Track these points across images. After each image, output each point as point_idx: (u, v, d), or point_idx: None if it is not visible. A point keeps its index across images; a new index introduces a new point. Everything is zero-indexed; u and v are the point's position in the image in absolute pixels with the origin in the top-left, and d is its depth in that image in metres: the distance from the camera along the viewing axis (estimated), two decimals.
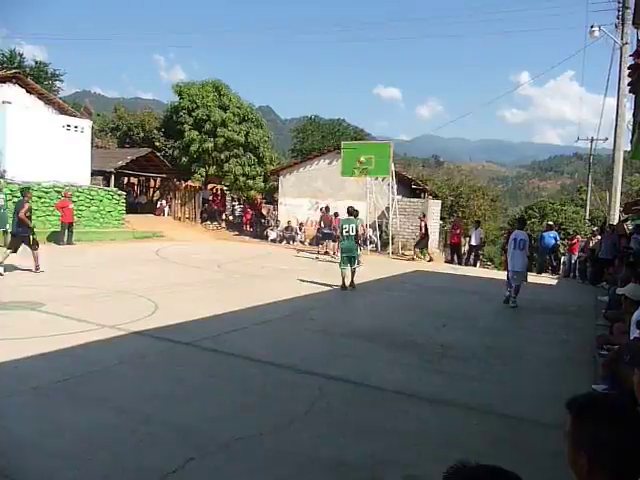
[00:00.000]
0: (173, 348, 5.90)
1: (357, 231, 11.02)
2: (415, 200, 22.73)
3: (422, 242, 18.99)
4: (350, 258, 10.91)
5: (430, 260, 18.16)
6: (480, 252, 20.90)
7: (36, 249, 10.52)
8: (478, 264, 19.67)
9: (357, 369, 5.53)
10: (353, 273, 11.00)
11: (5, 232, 15.05)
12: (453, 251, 19.98)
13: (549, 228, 18.58)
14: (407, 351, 6.43)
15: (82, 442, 3.52)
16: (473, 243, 19.23)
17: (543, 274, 16.95)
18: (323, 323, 7.60)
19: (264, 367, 5.45)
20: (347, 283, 10.81)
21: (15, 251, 10.43)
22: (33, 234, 10.71)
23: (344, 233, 10.90)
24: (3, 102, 18.01)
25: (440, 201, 24.74)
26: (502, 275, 16.88)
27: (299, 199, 24.47)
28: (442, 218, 25.36)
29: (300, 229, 23.56)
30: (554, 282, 15.50)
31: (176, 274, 11.78)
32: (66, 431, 3.67)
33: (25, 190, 11.74)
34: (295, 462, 3.46)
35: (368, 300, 10.10)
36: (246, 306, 8.38)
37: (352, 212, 11.37)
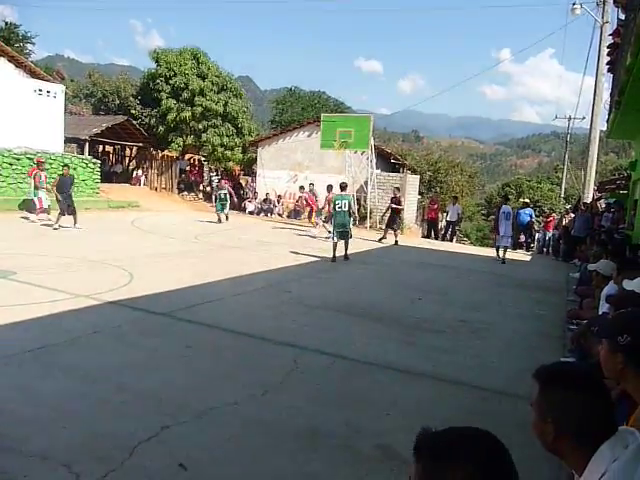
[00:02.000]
0: (148, 318, 5.87)
1: (350, 206, 11.46)
2: (394, 175, 22.74)
3: (396, 220, 16.16)
4: (343, 232, 11.27)
5: (396, 243, 15.78)
6: (457, 228, 21.11)
7: None
8: (455, 239, 19.87)
9: (332, 341, 5.58)
10: (346, 246, 11.36)
11: None
12: (430, 226, 20.13)
13: (525, 205, 18.80)
14: (382, 324, 6.50)
15: (55, 411, 3.50)
16: (450, 219, 19.38)
17: (517, 250, 17.22)
18: (299, 295, 7.62)
19: (239, 338, 5.46)
20: (336, 255, 11.13)
21: None
22: None
23: (337, 208, 11.24)
24: None
25: (418, 176, 24.81)
26: (478, 251, 17.16)
27: (278, 171, 24.29)
28: (420, 193, 25.47)
29: (278, 201, 23.45)
30: (528, 258, 15.77)
31: (152, 245, 11.66)
32: (38, 400, 3.64)
33: None
34: (270, 431, 3.49)
35: (345, 274, 10.15)
36: (222, 277, 8.35)
37: (344, 187, 11.85)
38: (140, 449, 3.11)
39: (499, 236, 13.23)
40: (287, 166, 24.11)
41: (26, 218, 14.51)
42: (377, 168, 21.70)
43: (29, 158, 17.11)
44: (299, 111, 38.95)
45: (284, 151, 24.34)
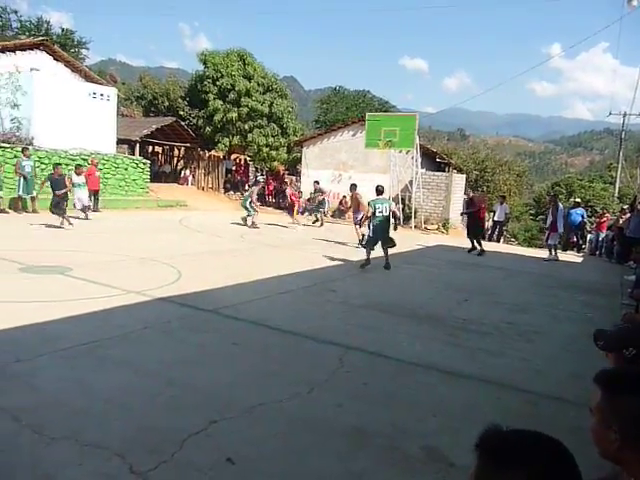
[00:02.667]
0: (196, 315, 6.00)
1: (391, 211, 10.38)
2: (439, 174, 22.44)
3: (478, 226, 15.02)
4: (385, 240, 10.19)
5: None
6: (504, 228, 20.66)
7: None
8: (502, 240, 19.46)
9: (377, 340, 5.56)
10: (387, 254, 10.23)
11: (33, 198, 15.36)
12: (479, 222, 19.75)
13: (576, 205, 18.23)
14: (427, 324, 6.44)
15: (108, 403, 3.63)
16: (497, 218, 18.98)
17: (568, 251, 16.70)
18: (344, 295, 7.63)
19: (284, 336, 5.52)
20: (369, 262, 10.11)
21: None
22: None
23: (377, 213, 10.03)
24: (31, 69, 18.15)
25: (464, 175, 24.39)
26: (526, 251, 16.73)
27: (322, 171, 24.35)
28: (466, 193, 25.05)
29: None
30: (579, 260, 15.28)
31: (199, 243, 11.91)
32: (92, 392, 3.78)
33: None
34: (315, 429, 3.52)
35: (389, 273, 10.10)
36: (268, 276, 8.45)
37: (381, 191, 10.64)
38: (189, 442, 3.19)
39: (555, 234, 13.45)
40: (331, 166, 24.15)
41: (77, 217, 15.05)
42: (422, 167, 21.48)
43: (83, 159, 17.76)
44: (343, 110, 38.97)
45: (328, 151, 24.39)
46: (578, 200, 19.79)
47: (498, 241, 18.84)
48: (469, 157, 31.96)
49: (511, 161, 33.24)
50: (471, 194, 15.12)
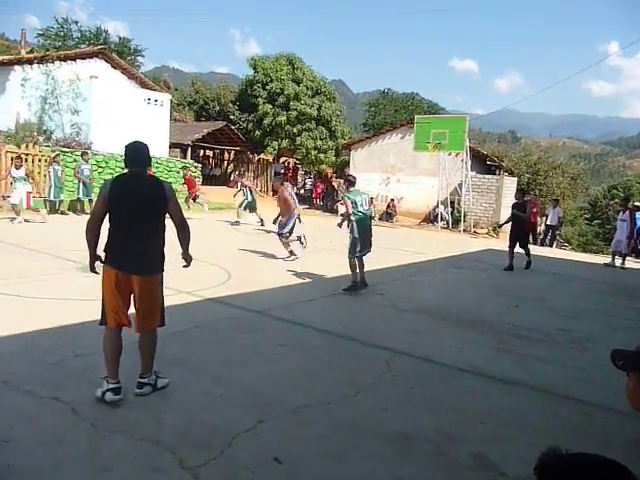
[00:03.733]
0: (245, 315, 6.10)
1: (370, 205, 8.43)
2: (489, 177, 22.02)
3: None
4: (367, 243, 7.98)
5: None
6: (557, 232, 20.06)
7: None
8: (554, 245, 18.89)
9: (424, 345, 5.51)
10: (362, 267, 7.93)
11: (91, 201, 15.98)
12: (528, 230, 19.25)
13: (636, 209, 17.49)
14: (476, 329, 6.32)
15: (161, 398, 3.74)
16: (550, 223, 18.45)
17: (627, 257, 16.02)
18: (391, 298, 7.59)
19: (331, 338, 5.54)
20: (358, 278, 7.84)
21: None
22: None
23: (359, 209, 7.77)
24: (90, 77, 18.90)
25: (516, 178, 23.83)
26: (580, 257, 16.18)
27: (370, 174, 24.30)
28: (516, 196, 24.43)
29: (370, 203, 23.42)
30: (638, 266, 14.65)
31: (248, 244, 12.09)
32: None
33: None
34: (361, 432, 3.52)
35: (438, 277, 9.98)
36: (315, 278, 8.50)
37: (353, 182, 8.48)
38: (238, 440, 3.25)
39: (627, 241, 13.11)
40: (379, 169, 24.06)
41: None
42: (472, 170, 21.12)
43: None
44: (392, 113, 38.78)
45: (376, 153, 24.32)
46: (638, 204, 18.97)
47: (551, 246, 18.29)
48: (521, 160, 31.17)
49: (565, 163, 32.19)
50: (524, 198, 12.06)
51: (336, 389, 4.16)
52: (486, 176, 22.00)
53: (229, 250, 10.84)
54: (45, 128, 17.72)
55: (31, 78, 17.91)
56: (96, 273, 3.73)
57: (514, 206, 11.53)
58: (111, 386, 3.54)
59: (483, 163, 23.74)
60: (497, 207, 20.91)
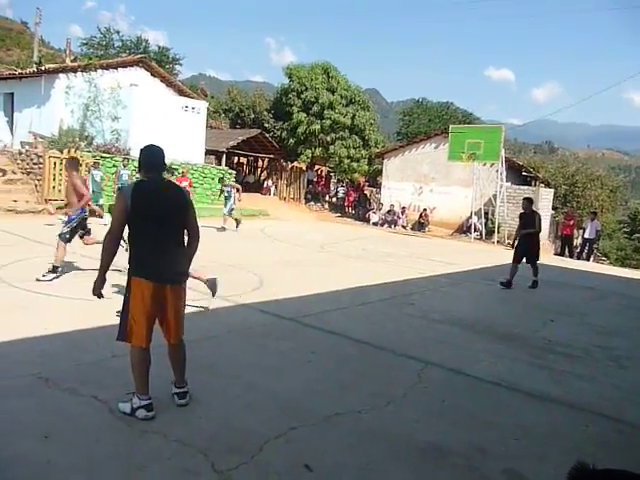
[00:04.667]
0: (277, 322, 6.15)
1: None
2: (525, 188, 21.67)
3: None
4: None
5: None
6: (595, 246, 19.60)
7: None
8: (592, 258, 18.46)
9: (456, 357, 5.46)
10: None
11: None
12: (564, 243, 18.91)
13: None
14: (510, 343, 6.23)
15: (194, 402, 3.80)
16: (587, 236, 18.05)
17: None
18: (423, 309, 7.54)
19: (363, 347, 5.53)
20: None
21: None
22: None
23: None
24: (131, 85, 19.39)
25: (552, 190, 23.38)
26: (619, 272, 15.75)
27: (403, 183, 24.23)
28: (554, 208, 24.00)
29: (402, 213, 23.35)
30: None
31: (280, 252, 12.19)
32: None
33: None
34: (392, 443, 3.51)
35: (470, 289, 9.86)
36: (347, 287, 8.51)
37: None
38: (268, 446, 3.28)
39: None
40: (412, 178, 23.96)
41: None
42: (507, 181, 20.83)
43: (174, 168, 18.69)
44: (426, 122, 38.61)
45: (410, 163, 24.23)
46: None
47: (588, 259, 17.89)
48: (558, 171, 30.60)
49: (604, 175, 31.42)
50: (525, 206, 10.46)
51: (367, 399, 4.16)
52: (521, 187, 21.67)
53: (263, 257, 10.94)
54: (87, 134, 18.24)
55: (75, 86, 18.49)
56: (101, 297, 3.56)
57: (521, 217, 10.35)
58: (144, 403, 3.47)
59: (518, 174, 23.40)
60: None
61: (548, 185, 25.00)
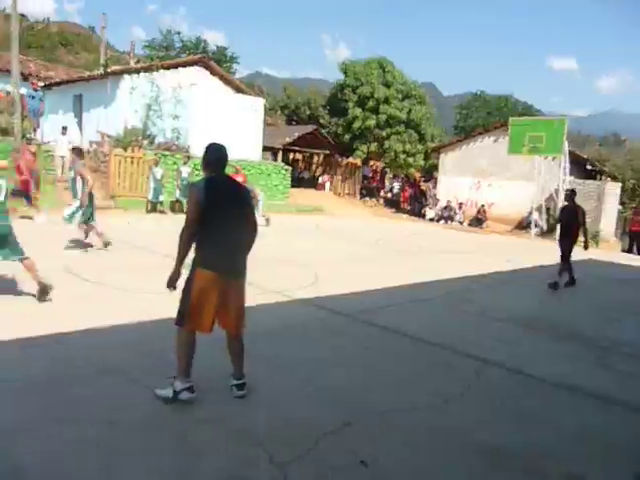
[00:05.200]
0: (332, 317, 6.19)
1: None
2: (589, 182, 20.83)
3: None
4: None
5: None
6: None
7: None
8: None
9: (515, 356, 5.33)
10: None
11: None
12: (633, 239, 18.01)
13: None
14: (572, 343, 6.02)
15: (252, 393, 3.88)
16: None
17: None
18: (481, 306, 7.40)
19: (419, 344, 5.50)
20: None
21: None
22: None
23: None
24: (191, 84, 19.93)
25: (620, 184, 22.33)
26: None
27: (460, 178, 23.77)
28: (622, 203, 22.92)
29: (460, 209, 22.92)
30: None
31: (335, 247, 12.23)
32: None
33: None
34: (448, 442, 3.48)
35: (530, 287, 9.58)
36: (402, 283, 8.45)
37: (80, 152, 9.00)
38: (324, 441, 3.32)
39: None
40: (470, 173, 23.47)
41: None
42: (570, 175, 20.06)
43: (232, 165, 19.08)
44: (484, 116, 37.76)
45: (467, 157, 23.74)
46: None
47: None
48: (626, 164, 29.19)
49: None
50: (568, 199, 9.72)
51: (424, 396, 4.14)
52: (586, 181, 20.83)
53: (318, 252, 11.02)
54: (149, 133, 18.89)
55: (138, 86, 19.19)
56: (174, 289, 3.62)
57: (562, 210, 10.02)
58: (187, 385, 3.62)
59: (582, 168, 22.48)
60: (597, 214, 19.74)
61: (615, 179, 23.90)
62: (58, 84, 22.71)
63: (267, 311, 6.19)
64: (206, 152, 3.73)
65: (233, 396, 3.82)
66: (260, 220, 14.31)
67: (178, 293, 3.61)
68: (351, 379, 4.37)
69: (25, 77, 20.50)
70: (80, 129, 21.37)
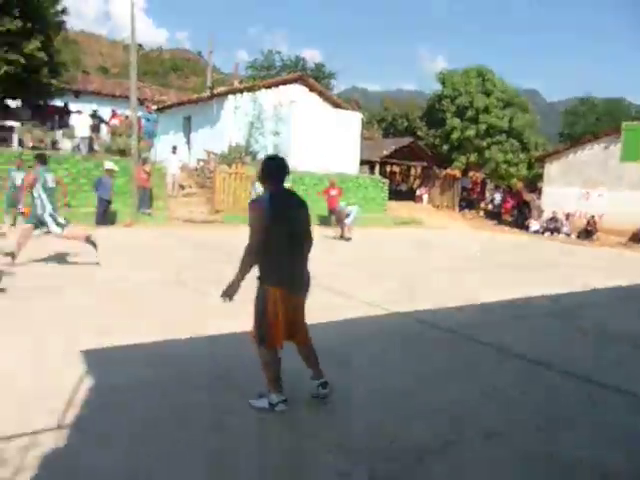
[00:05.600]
0: (431, 331, 6.10)
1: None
2: None
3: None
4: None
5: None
6: None
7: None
8: None
9: (634, 380, 4.96)
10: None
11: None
12: None
13: None
14: None
15: (349, 408, 3.93)
16: None
17: None
18: (593, 324, 6.95)
19: (526, 363, 5.27)
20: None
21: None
22: None
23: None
24: (291, 101, 20.61)
25: None
26: None
27: (567, 188, 22.53)
28: None
29: (566, 220, 21.70)
30: None
31: (434, 260, 12.04)
32: (341, 396, 4.12)
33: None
34: (558, 470, 3.28)
35: None
36: (505, 297, 8.15)
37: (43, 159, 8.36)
38: (428, 459, 3.27)
39: None
40: (578, 182, 22.18)
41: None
42: None
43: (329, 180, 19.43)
44: (592, 122, 35.60)
45: (575, 166, 22.47)
46: None
47: None
48: None
49: None
50: None
51: (529, 418, 3.96)
52: None
53: (416, 264, 10.92)
54: (251, 150, 19.74)
55: (241, 106, 20.17)
56: (230, 300, 3.61)
57: None
58: (282, 398, 3.72)
59: None
60: None
61: None
62: (170, 107, 24.44)
63: (366, 324, 6.24)
64: (266, 166, 3.67)
65: (319, 396, 3.87)
66: (348, 234, 14.60)
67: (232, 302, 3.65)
68: (452, 396, 4.28)
69: (141, 102, 22.18)
70: (189, 148, 22.80)
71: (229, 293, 3.56)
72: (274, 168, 3.64)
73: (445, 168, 27.44)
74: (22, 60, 15.60)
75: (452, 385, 4.54)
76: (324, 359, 4.01)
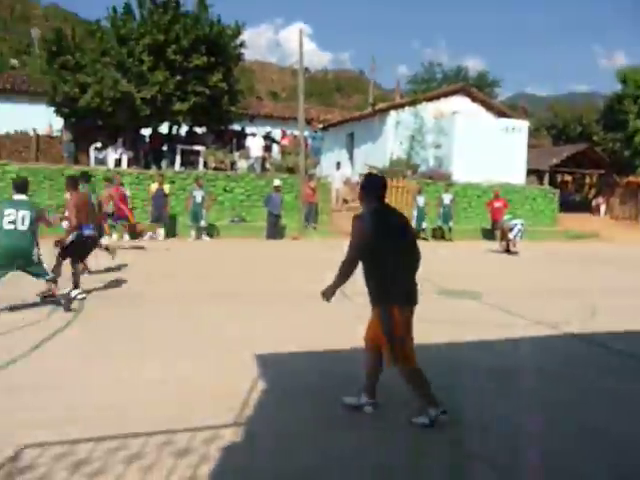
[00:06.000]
0: (607, 356, 5.60)
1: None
2: None
3: None
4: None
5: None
6: None
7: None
8: None
9: None
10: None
11: (450, 229, 17.14)
12: None
13: None
14: None
15: (485, 431, 3.80)
16: None
17: None
18: None
19: None
20: None
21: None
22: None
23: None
24: (453, 113, 20.35)
25: None
26: None
27: None
28: None
29: None
30: None
31: (609, 277, 11.00)
32: (476, 414, 4.02)
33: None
34: None
35: None
36: None
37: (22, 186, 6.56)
38: None
39: None
40: None
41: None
42: None
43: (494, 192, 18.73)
44: None
45: None
46: None
47: None
48: None
49: None
50: None
51: None
52: None
53: (593, 282, 10.08)
54: (412, 163, 19.84)
55: (402, 120, 20.41)
56: (328, 301, 3.79)
57: None
58: (440, 409, 3.63)
59: None
60: None
61: None
62: (334, 125, 25.56)
63: (544, 348, 5.90)
64: (368, 183, 3.79)
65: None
66: (513, 248, 13.90)
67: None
68: (623, 428, 3.89)
69: (308, 122, 23.51)
70: (351, 164, 23.59)
71: (326, 295, 3.78)
72: (376, 185, 3.75)
73: (627, 175, 24.82)
74: (207, 91, 17.49)
75: (619, 417, 4.15)
76: (495, 376, 3.92)
